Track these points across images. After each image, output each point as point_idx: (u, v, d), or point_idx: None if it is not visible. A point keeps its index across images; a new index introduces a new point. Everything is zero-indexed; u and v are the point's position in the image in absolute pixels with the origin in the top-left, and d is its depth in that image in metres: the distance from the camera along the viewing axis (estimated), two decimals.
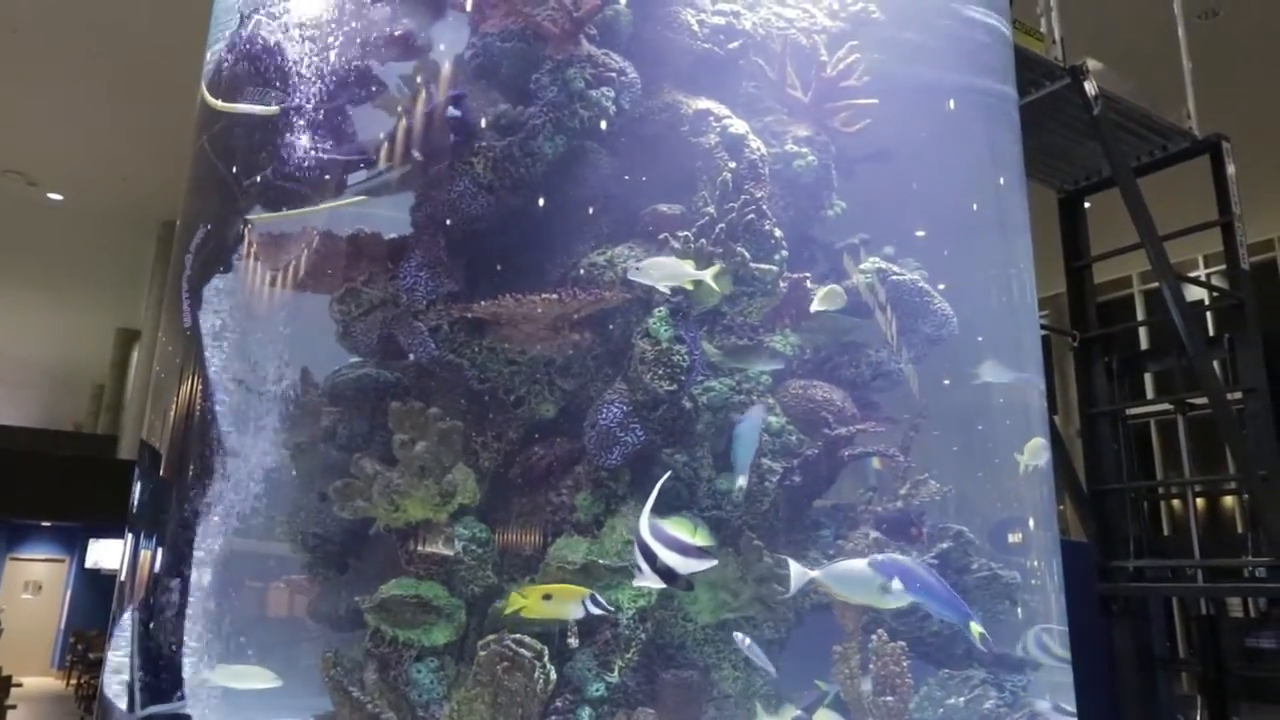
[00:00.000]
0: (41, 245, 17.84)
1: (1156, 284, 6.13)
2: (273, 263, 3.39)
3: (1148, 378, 8.11)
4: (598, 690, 2.79)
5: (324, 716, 3.06)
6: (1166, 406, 7.03)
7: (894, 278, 3.85)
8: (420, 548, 2.94)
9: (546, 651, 2.73)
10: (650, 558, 2.61)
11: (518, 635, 2.73)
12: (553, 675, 2.75)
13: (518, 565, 3.02)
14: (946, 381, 3.82)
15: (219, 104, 3.42)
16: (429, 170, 3.36)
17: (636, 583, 2.69)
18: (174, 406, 3.40)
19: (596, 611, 2.68)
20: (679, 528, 2.73)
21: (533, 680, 2.66)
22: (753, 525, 3.20)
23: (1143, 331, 11.96)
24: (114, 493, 5.41)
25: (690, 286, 3.16)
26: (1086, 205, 6.47)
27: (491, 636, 2.75)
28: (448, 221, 3.38)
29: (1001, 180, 4.27)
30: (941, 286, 3.89)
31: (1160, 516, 9.84)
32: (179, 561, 3.34)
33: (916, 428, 3.62)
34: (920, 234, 4.15)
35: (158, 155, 13.04)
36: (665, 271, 3.12)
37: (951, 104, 4.17)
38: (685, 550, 2.67)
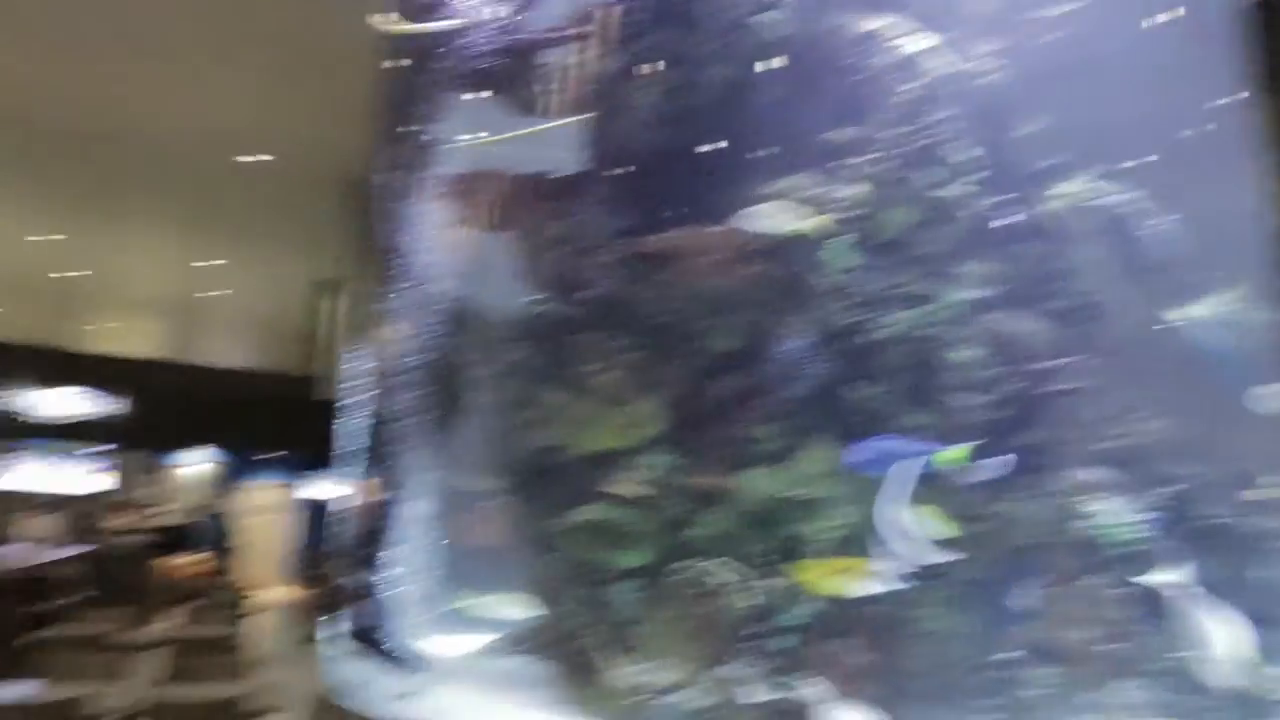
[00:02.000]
0: (243, 202, 19.65)
1: None
2: (458, 203, 3.55)
3: None
4: (789, 620, 2.74)
5: (529, 630, 3.24)
6: None
7: (1100, 200, 3.48)
8: (610, 475, 2.99)
9: (737, 579, 2.71)
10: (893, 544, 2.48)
11: (708, 564, 2.72)
12: (745, 603, 2.72)
13: (706, 495, 3.01)
14: (1167, 314, 3.40)
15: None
16: (600, 107, 3.37)
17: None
18: (379, 346, 3.65)
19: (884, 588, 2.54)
20: (920, 518, 2.53)
21: (724, 607, 2.66)
22: None
23: None
24: (318, 431, 5.77)
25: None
26: None
27: (684, 563, 2.76)
28: (619, 157, 3.37)
29: (1236, 94, 3.73)
30: (1167, 214, 3.46)
31: None
32: (390, 494, 3.61)
33: (1128, 362, 3.27)
34: (1131, 159, 3.71)
35: (349, 121, 13.95)
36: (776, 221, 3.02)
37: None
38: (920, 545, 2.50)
